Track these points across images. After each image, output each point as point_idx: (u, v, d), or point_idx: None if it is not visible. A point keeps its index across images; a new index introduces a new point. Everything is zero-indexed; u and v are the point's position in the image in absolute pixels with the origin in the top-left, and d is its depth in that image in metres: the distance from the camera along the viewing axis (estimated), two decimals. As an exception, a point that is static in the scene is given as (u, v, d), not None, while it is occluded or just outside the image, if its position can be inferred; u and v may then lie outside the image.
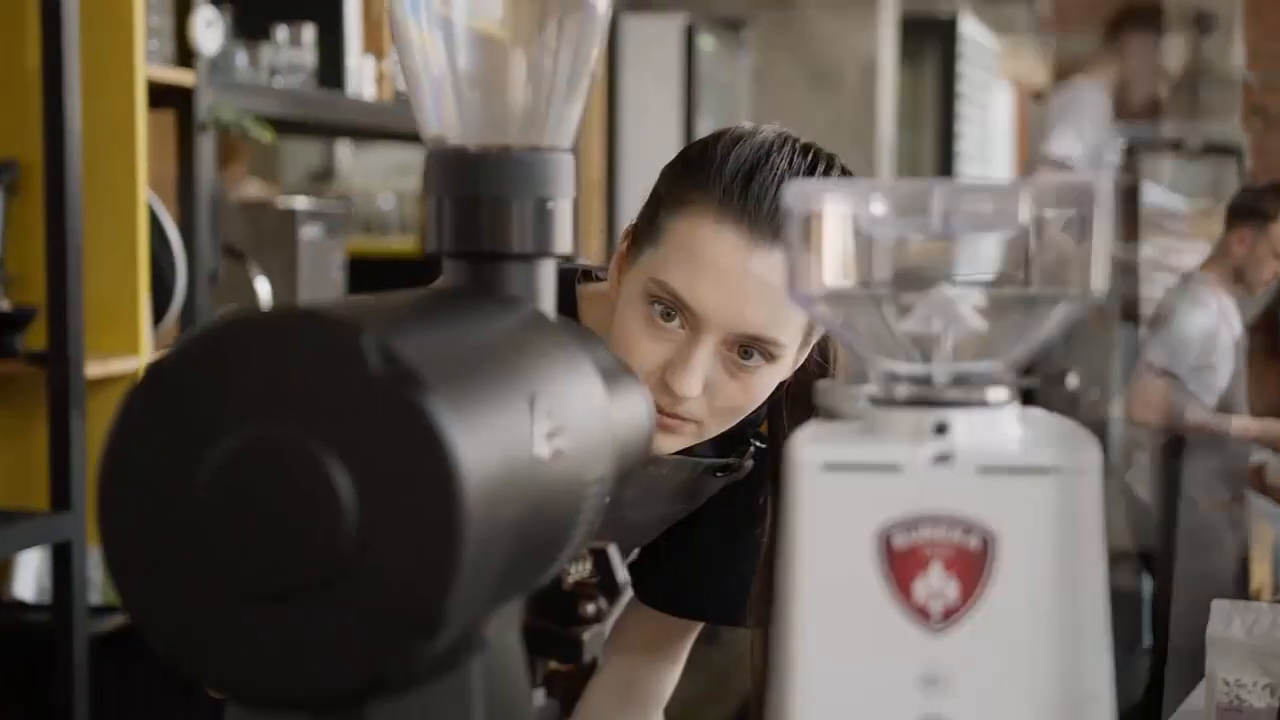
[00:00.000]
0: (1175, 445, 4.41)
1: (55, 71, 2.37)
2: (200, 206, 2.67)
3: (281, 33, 3.02)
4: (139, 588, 0.63)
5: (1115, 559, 4.65)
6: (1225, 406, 4.41)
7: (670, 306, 1.25)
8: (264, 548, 0.61)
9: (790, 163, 1.25)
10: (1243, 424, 4.50)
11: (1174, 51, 4.67)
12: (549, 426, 0.69)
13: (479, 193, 0.80)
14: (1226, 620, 2.01)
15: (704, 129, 6.32)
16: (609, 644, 1.56)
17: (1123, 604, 4.42)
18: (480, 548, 0.62)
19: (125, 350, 2.50)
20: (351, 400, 0.60)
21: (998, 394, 0.70)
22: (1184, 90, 9.38)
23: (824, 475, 0.68)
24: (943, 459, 0.68)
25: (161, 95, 2.64)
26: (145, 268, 2.51)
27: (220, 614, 0.62)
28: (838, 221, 0.71)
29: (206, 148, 2.68)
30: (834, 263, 0.71)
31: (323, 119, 3.18)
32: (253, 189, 4.68)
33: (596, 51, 0.84)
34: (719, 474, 1.44)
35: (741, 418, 1.31)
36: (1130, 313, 4.79)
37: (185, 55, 2.67)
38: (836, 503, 0.68)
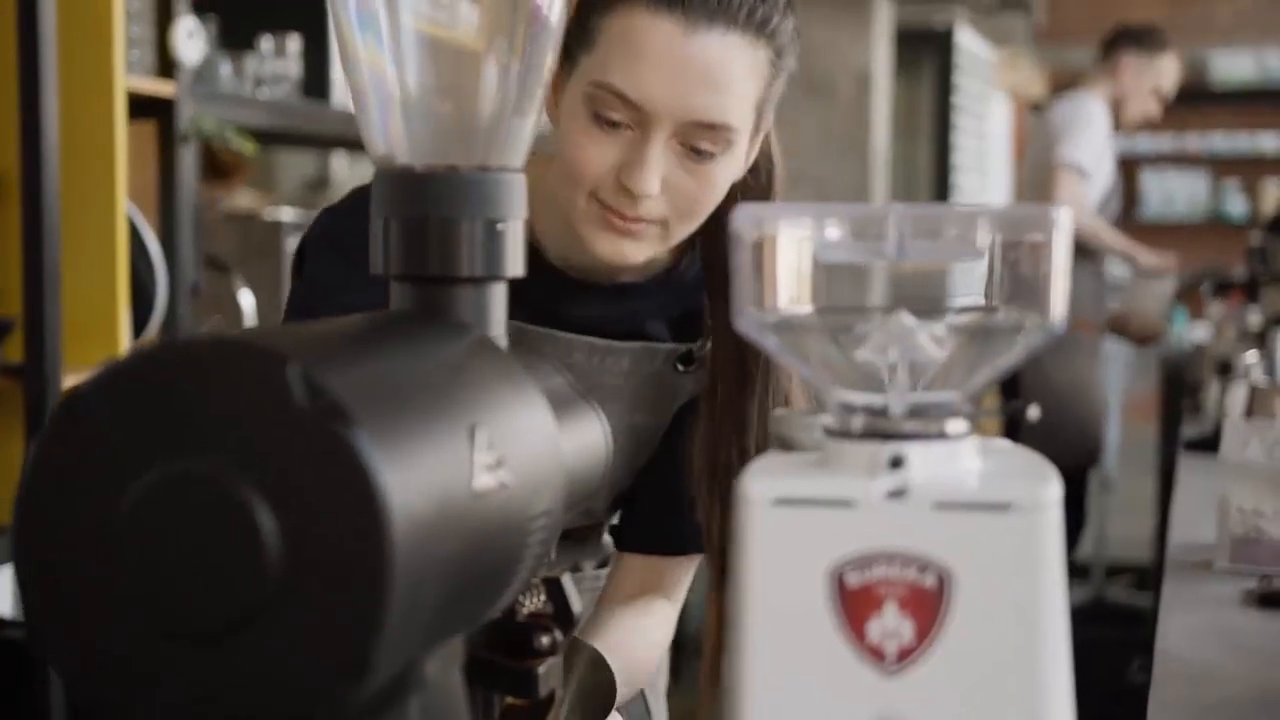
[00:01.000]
0: None
1: (33, 82, 2.35)
2: (181, 218, 2.65)
3: (266, 43, 3.00)
4: (57, 625, 0.61)
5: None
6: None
7: (614, 108, 1.23)
8: (185, 586, 0.58)
9: None
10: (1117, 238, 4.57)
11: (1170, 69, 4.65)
12: (490, 458, 0.67)
13: (426, 214, 0.78)
14: (1242, 441, 1.85)
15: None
16: (600, 596, 1.50)
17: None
18: (411, 587, 0.59)
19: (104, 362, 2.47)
20: (276, 434, 0.58)
21: (956, 426, 0.68)
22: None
23: (775, 510, 0.66)
24: (897, 494, 0.65)
25: (143, 106, 2.61)
26: (125, 280, 2.48)
27: (140, 654, 0.60)
28: (791, 246, 0.68)
29: (187, 159, 2.66)
30: (787, 288, 0.69)
31: (307, 130, 3.16)
32: (245, 199, 4.65)
33: (549, 63, 0.81)
34: (681, 367, 1.41)
35: (704, 217, 1.29)
36: (1117, 325, 4.78)
37: (167, 66, 2.64)
38: (788, 539, 0.66)
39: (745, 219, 0.68)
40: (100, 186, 2.45)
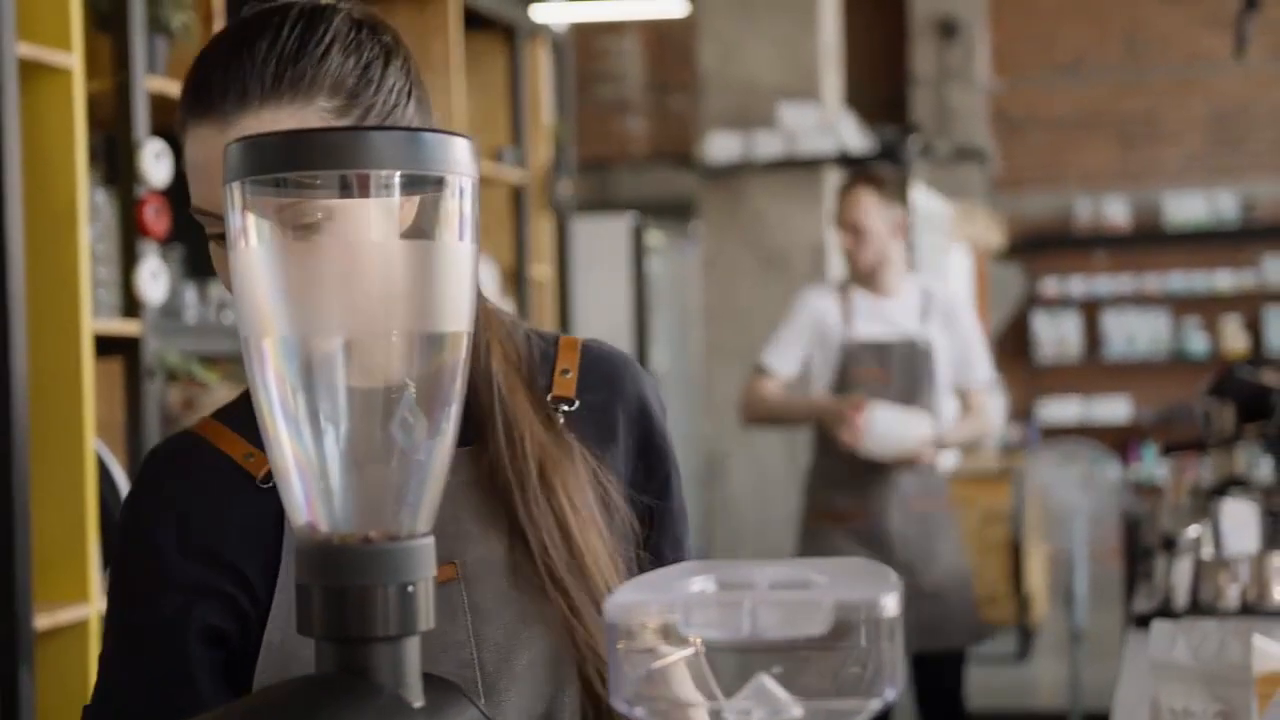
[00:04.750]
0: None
1: (2, 326, 2.45)
2: (148, 450, 2.73)
3: (229, 269, 3.12)
4: None
5: None
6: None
7: (211, 224, 1.21)
8: None
9: (242, 27, 1.23)
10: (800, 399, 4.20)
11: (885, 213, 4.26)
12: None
13: (344, 582, 0.87)
14: (1170, 642, 1.90)
15: (656, 321, 6.46)
16: None
17: None
18: None
19: (74, 598, 2.54)
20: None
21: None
22: (932, 96, 9.55)
23: None
24: None
25: (109, 344, 2.71)
26: (94, 517, 2.56)
27: None
28: (659, 630, 0.77)
29: (153, 394, 2.75)
30: (654, 666, 0.77)
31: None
32: (222, 397, 4.74)
33: (449, 445, 0.91)
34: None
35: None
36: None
37: (132, 305, 2.75)
38: None
39: (616, 609, 0.77)
40: (68, 427, 2.54)
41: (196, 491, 1.28)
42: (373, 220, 0.91)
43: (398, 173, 0.88)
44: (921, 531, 4.23)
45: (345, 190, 0.89)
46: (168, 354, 2.78)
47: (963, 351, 4.26)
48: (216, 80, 1.21)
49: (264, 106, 1.20)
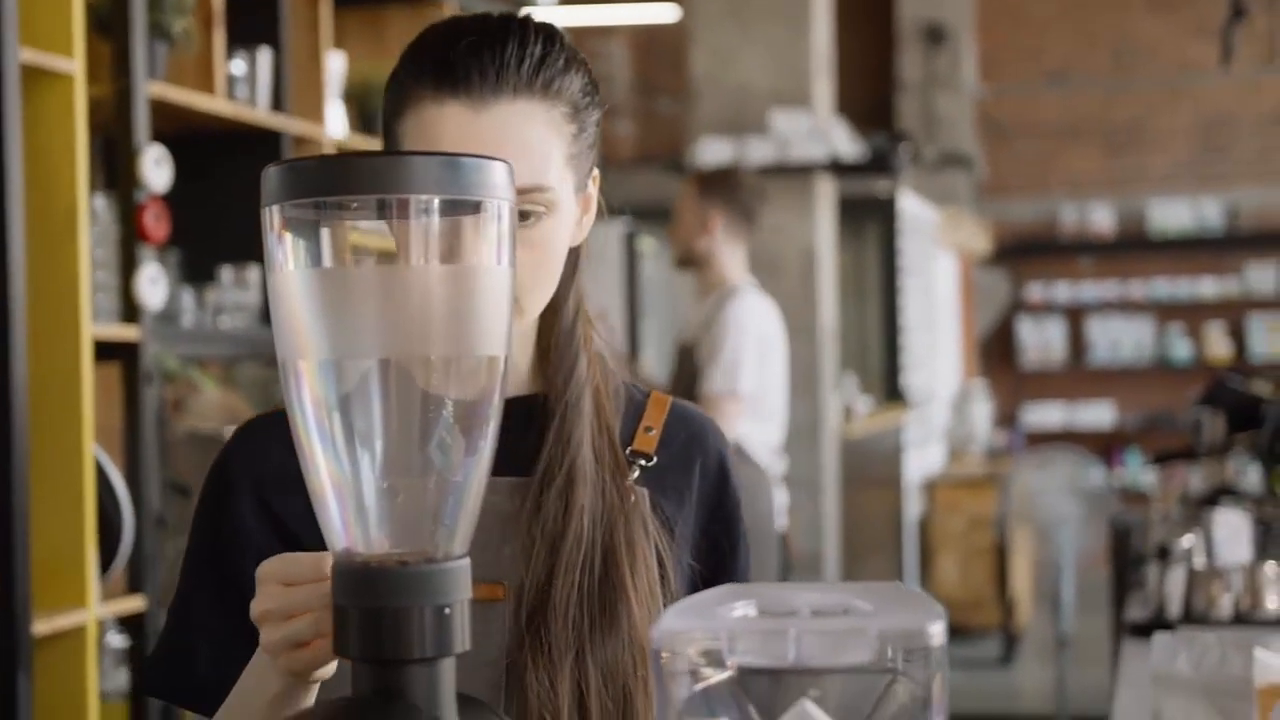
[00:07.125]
0: None
1: (3, 332, 2.44)
2: (146, 454, 2.74)
3: (227, 274, 3.12)
4: None
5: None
6: None
7: None
8: None
9: (485, 20, 1.26)
10: None
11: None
12: None
13: (380, 604, 0.87)
14: (1171, 654, 1.91)
15: (647, 326, 6.47)
16: None
17: None
18: None
19: (72, 604, 2.53)
20: None
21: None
22: (918, 102, 9.56)
23: None
24: None
25: (108, 349, 2.71)
26: (92, 521, 2.55)
27: None
28: (702, 656, 0.77)
29: (151, 398, 2.75)
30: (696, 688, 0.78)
31: (266, 354, 3.26)
32: (212, 397, 4.71)
33: (485, 466, 0.91)
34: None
35: (550, 283, 1.28)
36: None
37: (131, 310, 2.74)
38: None
39: (663, 635, 0.77)
40: (68, 432, 2.53)
41: (276, 467, 1.27)
42: (411, 243, 0.91)
43: (436, 197, 0.88)
44: None
45: (384, 214, 0.89)
46: (166, 359, 2.77)
47: (707, 356, 4.10)
48: (473, 64, 1.22)
49: (518, 97, 1.23)
